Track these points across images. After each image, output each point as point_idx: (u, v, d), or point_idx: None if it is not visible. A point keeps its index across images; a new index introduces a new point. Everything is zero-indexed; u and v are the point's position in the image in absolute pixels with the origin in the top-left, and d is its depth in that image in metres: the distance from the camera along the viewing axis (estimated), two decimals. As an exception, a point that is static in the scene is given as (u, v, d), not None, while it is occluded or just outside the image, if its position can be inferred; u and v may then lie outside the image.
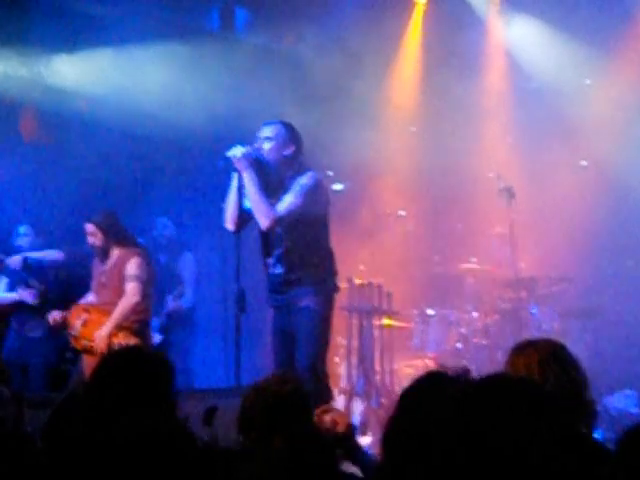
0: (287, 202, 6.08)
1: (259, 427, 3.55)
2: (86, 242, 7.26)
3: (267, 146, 6.16)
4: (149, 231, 8.86)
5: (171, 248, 8.89)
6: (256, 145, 6.17)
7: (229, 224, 6.21)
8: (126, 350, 3.96)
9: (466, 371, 3.04)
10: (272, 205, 6.06)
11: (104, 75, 9.30)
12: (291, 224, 6.11)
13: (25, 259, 7.76)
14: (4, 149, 8.99)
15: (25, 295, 7.73)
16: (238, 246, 5.97)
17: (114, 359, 3.71)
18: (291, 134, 6.23)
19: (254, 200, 6.07)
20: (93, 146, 8.92)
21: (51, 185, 8.81)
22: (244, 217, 6.21)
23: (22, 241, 7.99)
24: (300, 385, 3.74)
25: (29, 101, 9.35)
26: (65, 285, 7.84)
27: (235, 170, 6.10)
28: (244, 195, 6.14)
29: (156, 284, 7.49)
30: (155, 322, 8.35)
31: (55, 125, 9.26)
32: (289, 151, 6.18)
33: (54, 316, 7.16)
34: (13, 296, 7.80)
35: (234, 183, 6.14)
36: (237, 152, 6.06)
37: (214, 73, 9.16)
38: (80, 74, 9.36)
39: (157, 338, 8.14)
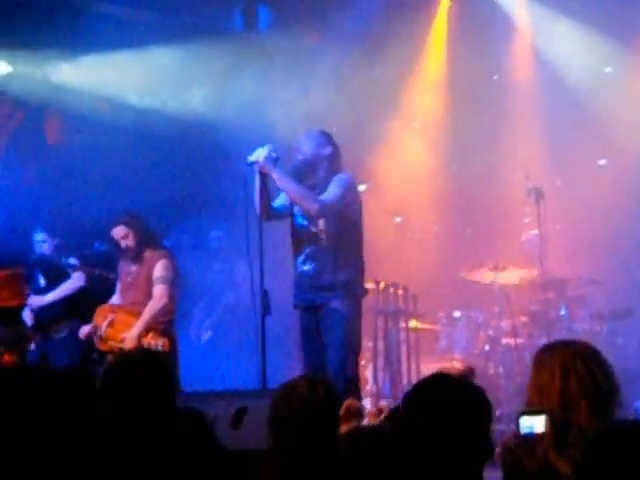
0: (331, 192, 6.08)
1: (289, 429, 3.51)
2: (103, 244, 7.26)
3: (305, 145, 6.22)
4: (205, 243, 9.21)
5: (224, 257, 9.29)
6: (295, 146, 6.24)
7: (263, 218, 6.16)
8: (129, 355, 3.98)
9: (470, 371, 3.05)
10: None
11: (126, 77, 9.30)
12: (328, 220, 6.09)
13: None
14: (25, 152, 9.04)
15: (77, 279, 7.80)
16: (262, 248, 5.91)
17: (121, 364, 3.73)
18: (328, 138, 6.32)
19: (294, 192, 6.07)
20: (113, 148, 8.92)
21: (70, 187, 8.81)
22: (274, 215, 6.22)
23: (42, 248, 7.94)
24: (331, 389, 3.68)
25: (51, 104, 9.37)
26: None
27: (259, 173, 6.04)
28: (270, 196, 6.13)
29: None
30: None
31: (76, 128, 9.26)
32: (327, 151, 6.22)
33: (84, 332, 7.20)
34: (68, 286, 7.81)
35: (257, 187, 6.08)
36: (259, 156, 6.00)
37: (238, 73, 9.13)
38: (102, 76, 9.36)
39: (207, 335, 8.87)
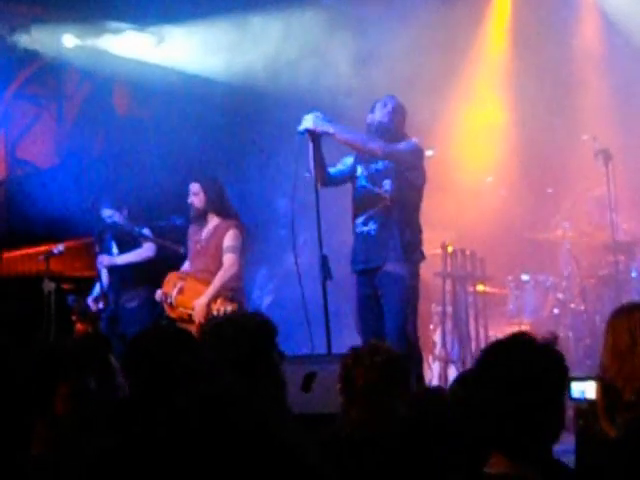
0: (397, 146, 6.17)
1: (359, 394, 3.58)
2: (179, 217, 7.38)
3: (379, 110, 6.30)
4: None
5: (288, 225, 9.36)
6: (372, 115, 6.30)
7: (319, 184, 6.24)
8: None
9: (554, 338, 2.92)
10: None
11: (192, 48, 9.36)
12: (392, 182, 6.14)
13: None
14: (94, 123, 9.15)
15: (147, 249, 7.86)
16: (319, 215, 5.94)
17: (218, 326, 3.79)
18: (398, 104, 6.39)
19: (357, 139, 6.16)
20: (182, 119, 8.98)
21: (139, 158, 8.90)
22: (331, 181, 6.32)
23: (114, 217, 7.98)
24: (394, 355, 3.74)
25: (119, 75, 9.46)
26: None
27: (311, 140, 6.07)
28: (324, 162, 6.20)
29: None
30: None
31: (146, 99, 9.35)
32: (399, 117, 6.31)
33: (159, 295, 7.34)
34: (137, 254, 7.90)
35: (310, 154, 6.12)
36: (308, 123, 6.03)
37: (304, 40, 9.13)
38: (169, 47, 9.44)
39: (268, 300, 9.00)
